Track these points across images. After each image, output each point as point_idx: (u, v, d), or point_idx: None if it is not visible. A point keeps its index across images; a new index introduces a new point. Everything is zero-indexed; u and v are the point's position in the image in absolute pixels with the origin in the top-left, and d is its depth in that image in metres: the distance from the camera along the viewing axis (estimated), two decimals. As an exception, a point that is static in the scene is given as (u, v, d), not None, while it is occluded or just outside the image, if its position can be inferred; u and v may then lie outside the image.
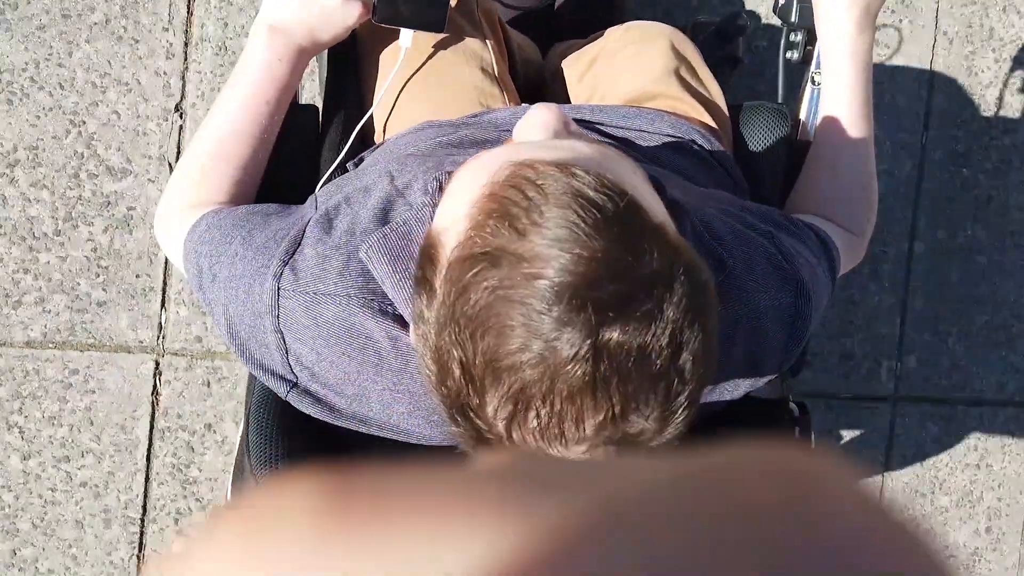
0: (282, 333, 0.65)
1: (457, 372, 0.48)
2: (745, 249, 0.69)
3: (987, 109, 1.58)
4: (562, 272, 0.45)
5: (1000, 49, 1.57)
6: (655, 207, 0.51)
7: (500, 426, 0.48)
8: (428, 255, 0.51)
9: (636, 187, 0.50)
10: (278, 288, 0.64)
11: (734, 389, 0.72)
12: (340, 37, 0.85)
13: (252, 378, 0.78)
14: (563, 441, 0.47)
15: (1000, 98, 1.57)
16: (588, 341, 0.44)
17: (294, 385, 0.67)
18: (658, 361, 0.46)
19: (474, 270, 0.46)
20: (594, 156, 0.51)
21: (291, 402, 0.68)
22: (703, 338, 0.48)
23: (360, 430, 0.68)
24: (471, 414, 0.48)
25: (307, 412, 0.68)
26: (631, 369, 0.45)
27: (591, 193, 0.47)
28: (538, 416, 0.46)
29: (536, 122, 0.56)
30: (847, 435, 1.59)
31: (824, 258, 0.77)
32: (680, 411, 0.48)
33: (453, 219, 0.50)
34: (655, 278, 0.46)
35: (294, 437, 0.70)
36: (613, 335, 0.45)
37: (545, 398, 0.45)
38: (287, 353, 0.66)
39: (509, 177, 0.48)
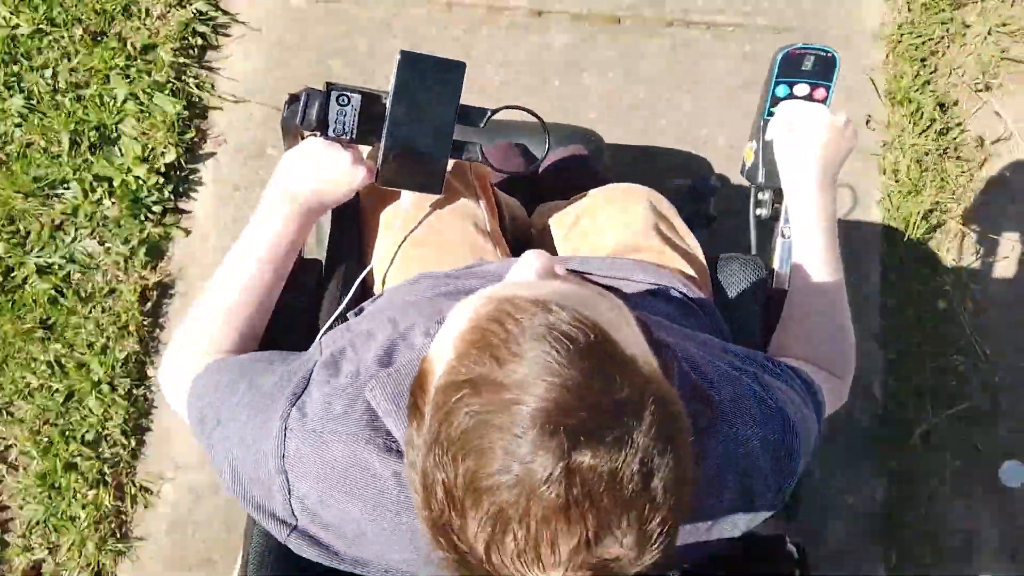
0: (286, 474, 0.66)
1: (440, 493, 0.49)
2: (731, 387, 0.72)
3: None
4: (537, 399, 0.47)
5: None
6: (631, 341, 0.54)
7: (480, 549, 0.49)
8: (420, 383, 0.54)
9: (611, 322, 0.54)
10: (285, 428, 0.66)
11: (732, 528, 0.72)
12: (345, 199, 0.92)
13: (250, 523, 0.77)
14: (540, 565, 0.48)
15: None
16: (560, 464, 0.46)
17: (294, 528, 0.67)
18: (629, 486, 0.47)
19: (457, 396, 0.49)
20: (572, 294, 0.55)
21: (290, 546, 0.68)
22: (675, 465, 0.49)
23: (359, 572, 0.68)
24: (453, 537, 0.50)
25: (306, 556, 0.68)
26: (602, 493, 0.47)
27: (565, 327, 0.50)
28: (515, 539, 0.47)
29: (526, 264, 0.61)
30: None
31: (809, 399, 0.80)
32: (656, 537, 0.49)
33: (442, 350, 0.54)
34: (624, 406, 0.49)
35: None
36: (584, 459, 0.46)
37: (522, 520, 0.47)
38: (290, 495, 0.66)
39: (491, 312, 0.52)
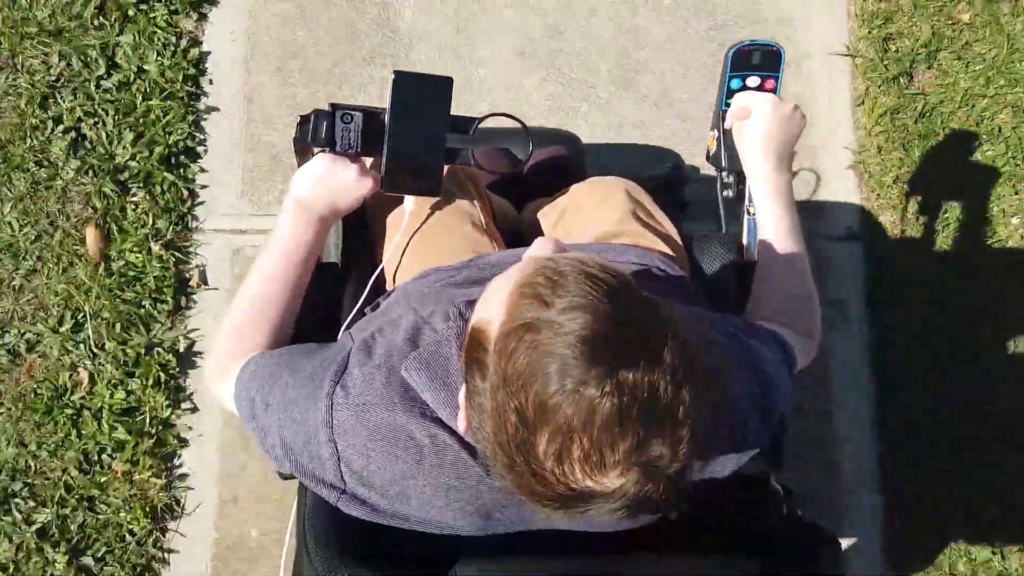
0: (335, 442, 0.76)
1: (514, 419, 0.59)
2: (718, 350, 0.83)
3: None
4: (584, 328, 0.58)
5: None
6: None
7: (551, 460, 0.59)
8: (477, 341, 0.65)
9: (628, 273, 0.65)
10: (332, 403, 0.76)
11: (722, 469, 0.82)
12: (355, 206, 1.02)
13: (301, 491, 0.87)
14: (603, 467, 0.58)
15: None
16: (610, 380, 0.57)
17: (343, 492, 0.77)
18: (665, 395, 0.58)
19: (518, 337, 0.60)
20: (596, 256, 0.67)
21: (340, 507, 0.78)
22: (695, 379, 0.61)
23: (402, 527, 0.78)
24: (525, 456, 0.60)
25: (354, 515, 0.78)
26: (646, 401, 0.58)
27: (598, 273, 0.62)
28: (581, 446, 0.58)
29: (542, 245, 0.72)
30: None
31: (783, 356, 0.90)
32: (686, 440, 0.59)
33: (494, 311, 0.64)
34: (653, 332, 0.60)
35: (345, 536, 0.80)
36: (628, 375, 0.58)
37: (585, 429, 0.57)
38: (339, 461, 0.76)
39: (535, 270, 0.63)
